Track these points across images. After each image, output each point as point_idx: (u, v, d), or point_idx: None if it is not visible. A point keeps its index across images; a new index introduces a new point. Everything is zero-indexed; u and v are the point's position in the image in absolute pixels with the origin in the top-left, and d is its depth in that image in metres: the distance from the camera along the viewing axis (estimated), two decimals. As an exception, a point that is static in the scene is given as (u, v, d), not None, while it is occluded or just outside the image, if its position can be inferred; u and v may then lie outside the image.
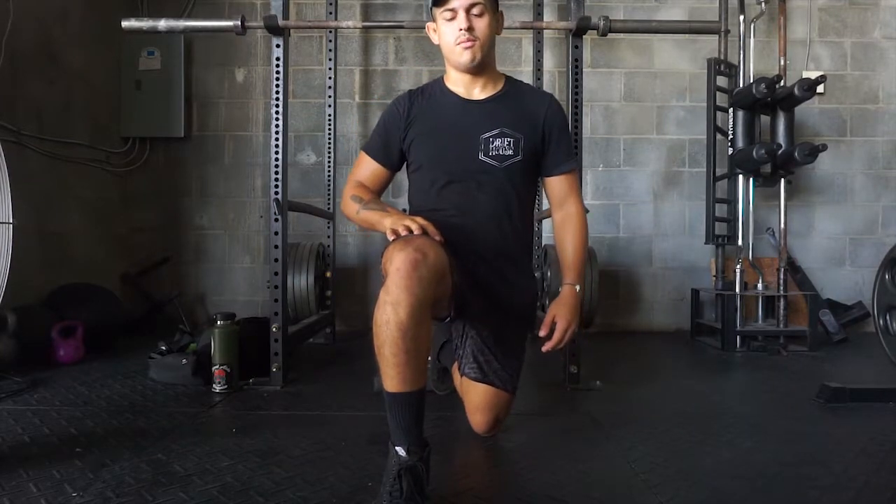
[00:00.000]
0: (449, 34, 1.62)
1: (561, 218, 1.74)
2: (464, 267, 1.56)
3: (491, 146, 1.64)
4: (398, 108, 1.70)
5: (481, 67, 1.66)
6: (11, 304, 2.49)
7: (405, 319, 1.24)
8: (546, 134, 1.70)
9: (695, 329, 3.61)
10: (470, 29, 1.58)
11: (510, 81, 1.75)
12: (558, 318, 1.58)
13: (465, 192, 1.64)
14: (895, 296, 2.35)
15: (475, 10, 1.59)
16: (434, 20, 1.67)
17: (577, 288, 1.65)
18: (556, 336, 1.56)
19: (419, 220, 1.40)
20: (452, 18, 1.60)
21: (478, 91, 1.69)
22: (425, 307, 1.29)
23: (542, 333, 1.57)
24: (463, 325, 1.72)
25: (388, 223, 1.42)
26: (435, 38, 1.70)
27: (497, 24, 1.66)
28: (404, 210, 1.71)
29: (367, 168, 1.71)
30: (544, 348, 1.57)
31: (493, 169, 1.64)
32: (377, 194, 1.69)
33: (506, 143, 1.64)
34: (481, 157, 1.63)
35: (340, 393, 2.28)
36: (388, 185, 1.76)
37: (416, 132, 1.68)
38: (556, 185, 1.74)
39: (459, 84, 1.70)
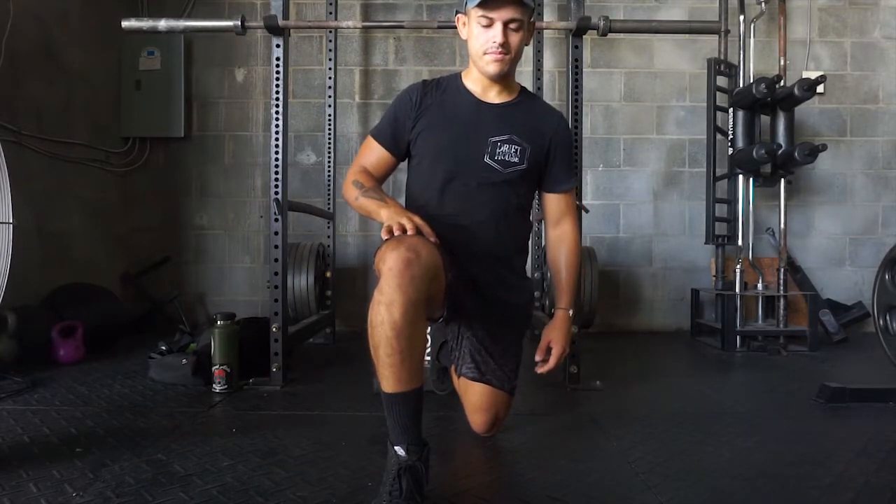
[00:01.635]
0: (481, 40, 1.59)
1: (557, 236, 1.77)
2: (459, 266, 1.56)
3: (498, 150, 1.64)
4: (410, 97, 1.68)
5: (503, 76, 1.66)
6: (11, 304, 2.49)
7: (399, 319, 1.25)
8: (551, 151, 1.71)
9: (695, 329, 3.61)
10: (504, 44, 1.57)
11: (525, 92, 1.76)
12: (553, 343, 1.68)
13: (465, 192, 1.64)
14: (895, 296, 2.35)
15: (513, 25, 1.57)
16: (466, 14, 1.63)
17: (570, 312, 1.73)
18: (552, 361, 1.67)
19: (416, 219, 1.39)
20: (488, 26, 1.57)
21: (494, 94, 1.69)
22: (419, 307, 1.29)
23: (538, 358, 1.69)
24: (458, 327, 1.73)
25: (384, 215, 1.42)
26: (463, 33, 1.67)
27: (528, 36, 1.65)
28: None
29: (373, 153, 1.68)
30: (539, 370, 1.68)
31: (496, 173, 1.64)
32: (380, 181, 1.67)
33: (513, 150, 1.65)
34: (486, 159, 1.64)
35: (340, 393, 2.28)
36: (392, 174, 1.74)
37: (426, 124, 1.66)
38: (553, 203, 1.76)
39: (478, 84, 1.69)
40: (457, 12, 1.72)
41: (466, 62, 1.71)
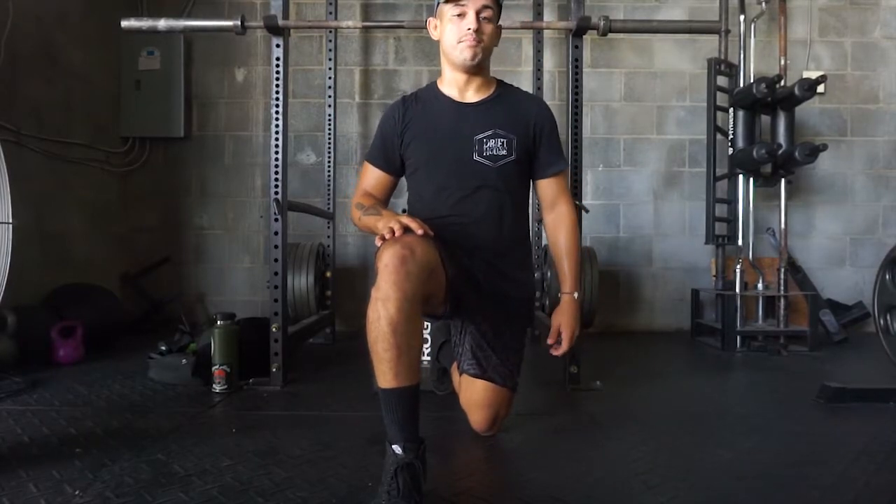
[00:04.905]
0: (454, 32, 1.63)
1: (553, 219, 1.77)
2: (459, 263, 1.59)
3: (485, 147, 1.66)
4: (394, 115, 1.73)
5: (478, 69, 1.68)
6: (11, 304, 2.49)
7: (395, 315, 1.27)
8: (537, 135, 1.72)
9: (695, 329, 3.61)
10: (478, 31, 1.61)
11: (502, 85, 1.77)
12: (563, 327, 1.69)
13: (461, 193, 1.66)
14: (895, 296, 2.35)
15: (485, 14, 1.62)
16: (439, 17, 1.68)
17: (576, 295, 1.73)
18: (565, 344, 1.69)
19: (404, 219, 1.42)
20: (461, 16, 1.62)
21: (471, 94, 1.71)
22: (415, 302, 1.32)
23: (550, 341, 1.70)
24: (462, 321, 1.74)
25: (380, 225, 1.45)
26: (435, 35, 1.72)
27: (497, 36, 1.70)
28: (404, 210, 1.73)
29: (371, 177, 1.75)
30: (555, 352, 1.71)
31: (488, 169, 1.66)
32: (385, 200, 1.74)
33: (499, 143, 1.67)
34: (476, 157, 1.66)
35: (340, 393, 2.28)
36: (395, 190, 1.79)
37: (412, 136, 1.70)
38: (546, 187, 1.77)
39: (453, 86, 1.72)
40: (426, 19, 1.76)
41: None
